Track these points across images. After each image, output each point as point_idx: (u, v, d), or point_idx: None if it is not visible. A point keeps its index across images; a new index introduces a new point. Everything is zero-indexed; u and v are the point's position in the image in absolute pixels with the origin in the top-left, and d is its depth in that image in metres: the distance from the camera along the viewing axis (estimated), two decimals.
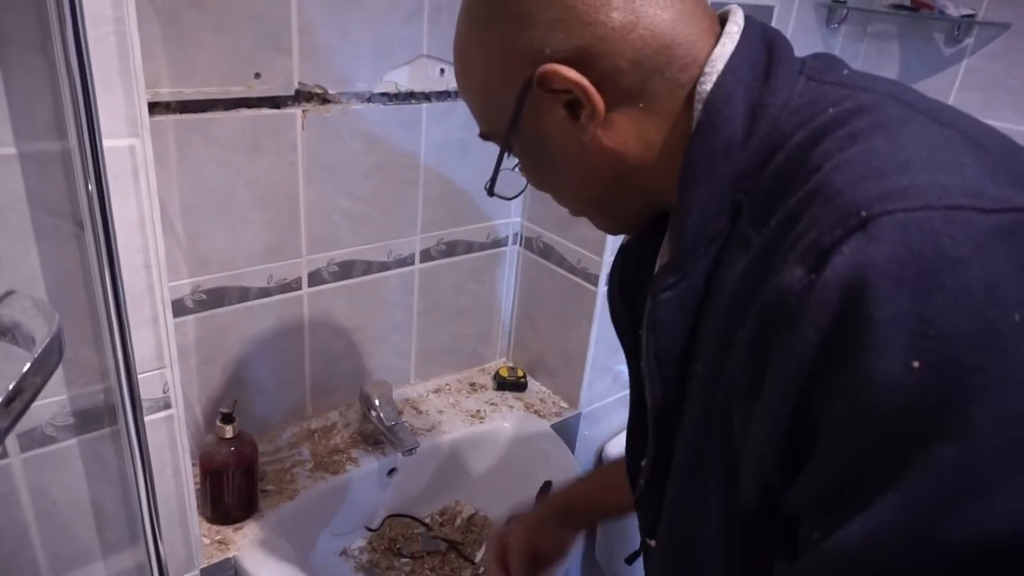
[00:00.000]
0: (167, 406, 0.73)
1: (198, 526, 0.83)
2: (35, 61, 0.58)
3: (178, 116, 0.83)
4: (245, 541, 0.90)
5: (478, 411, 1.20)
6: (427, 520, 1.10)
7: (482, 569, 1.02)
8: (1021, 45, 1.22)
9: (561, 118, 0.46)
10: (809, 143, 0.38)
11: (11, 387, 0.43)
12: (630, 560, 0.73)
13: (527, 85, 0.44)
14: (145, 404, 0.70)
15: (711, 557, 0.48)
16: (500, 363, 1.33)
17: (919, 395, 0.31)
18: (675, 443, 0.50)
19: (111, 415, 0.72)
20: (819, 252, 0.33)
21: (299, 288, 1.02)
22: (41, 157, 0.60)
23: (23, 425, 0.67)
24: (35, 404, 0.66)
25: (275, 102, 0.89)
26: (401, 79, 0.99)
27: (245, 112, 0.87)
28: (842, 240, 0.33)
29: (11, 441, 0.66)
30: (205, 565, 0.86)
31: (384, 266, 1.10)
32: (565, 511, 0.78)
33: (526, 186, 0.57)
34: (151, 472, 0.72)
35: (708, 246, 0.44)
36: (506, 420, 1.19)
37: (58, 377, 0.67)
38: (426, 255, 1.14)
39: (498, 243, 1.22)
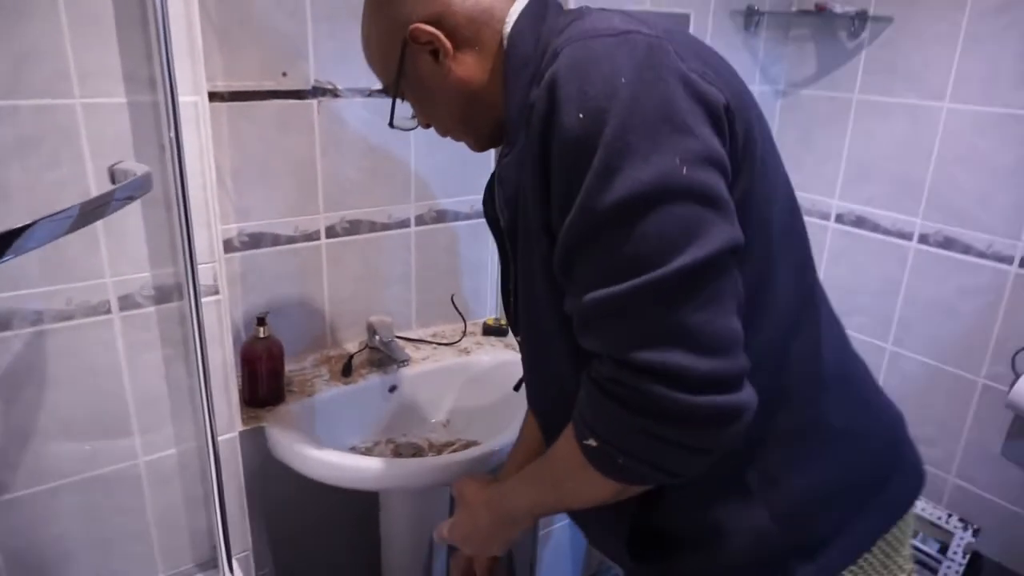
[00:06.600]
0: (216, 292, 1.04)
1: (237, 395, 1.13)
2: (137, 35, 0.92)
3: (229, 104, 1.17)
4: (274, 417, 1.19)
5: (466, 348, 1.47)
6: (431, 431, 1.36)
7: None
8: (904, 35, 1.47)
9: (428, 61, 0.72)
10: (556, 37, 0.66)
11: (99, 195, 0.72)
12: (517, 387, 0.96)
13: (405, 43, 0.72)
14: (201, 288, 1.01)
15: (552, 330, 0.70)
16: (490, 317, 1.60)
17: (584, 131, 0.58)
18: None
19: (179, 293, 1.03)
20: (543, 78, 0.61)
21: (319, 239, 1.33)
22: (139, 105, 0.94)
23: (123, 290, 0.98)
24: (130, 277, 0.99)
25: (298, 94, 1.23)
26: None
27: (276, 102, 1.21)
28: (551, 65, 0.61)
29: (113, 301, 0.98)
30: (243, 429, 1.14)
31: (385, 226, 1.40)
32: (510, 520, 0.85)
33: (416, 126, 0.83)
34: (204, 337, 1.02)
35: (524, 123, 0.69)
36: (487, 354, 1.45)
37: (143, 258, 0.99)
38: (420, 220, 1.44)
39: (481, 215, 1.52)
